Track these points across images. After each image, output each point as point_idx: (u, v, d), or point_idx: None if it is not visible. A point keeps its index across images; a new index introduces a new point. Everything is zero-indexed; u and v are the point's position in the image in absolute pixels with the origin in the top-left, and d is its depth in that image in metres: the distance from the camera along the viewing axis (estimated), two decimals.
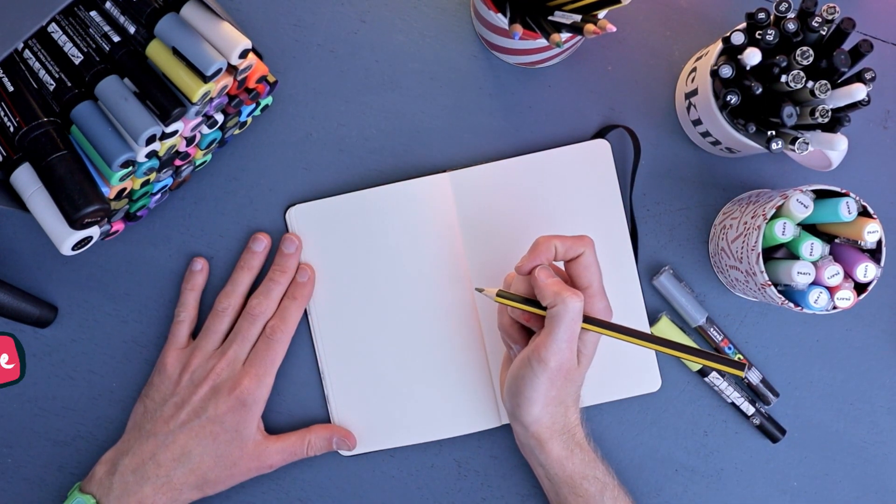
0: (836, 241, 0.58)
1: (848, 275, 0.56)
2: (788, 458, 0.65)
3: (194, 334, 0.64)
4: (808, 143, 0.54)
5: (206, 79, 0.52)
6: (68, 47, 0.53)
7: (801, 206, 0.55)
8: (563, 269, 0.59)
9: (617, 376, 0.65)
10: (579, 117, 0.65)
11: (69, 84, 0.53)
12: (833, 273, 0.55)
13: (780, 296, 0.56)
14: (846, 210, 0.55)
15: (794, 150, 0.54)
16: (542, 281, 0.55)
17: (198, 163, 0.62)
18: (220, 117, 0.58)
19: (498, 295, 0.57)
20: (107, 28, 0.54)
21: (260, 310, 0.62)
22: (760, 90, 0.54)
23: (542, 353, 0.54)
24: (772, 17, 0.55)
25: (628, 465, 0.65)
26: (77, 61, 0.53)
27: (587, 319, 0.55)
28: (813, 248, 0.56)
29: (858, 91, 0.54)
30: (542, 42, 0.57)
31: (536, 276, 0.55)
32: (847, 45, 0.55)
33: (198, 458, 0.60)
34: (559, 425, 0.57)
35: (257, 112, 0.63)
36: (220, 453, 0.60)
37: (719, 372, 0.64)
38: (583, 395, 0.63)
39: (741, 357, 0.65)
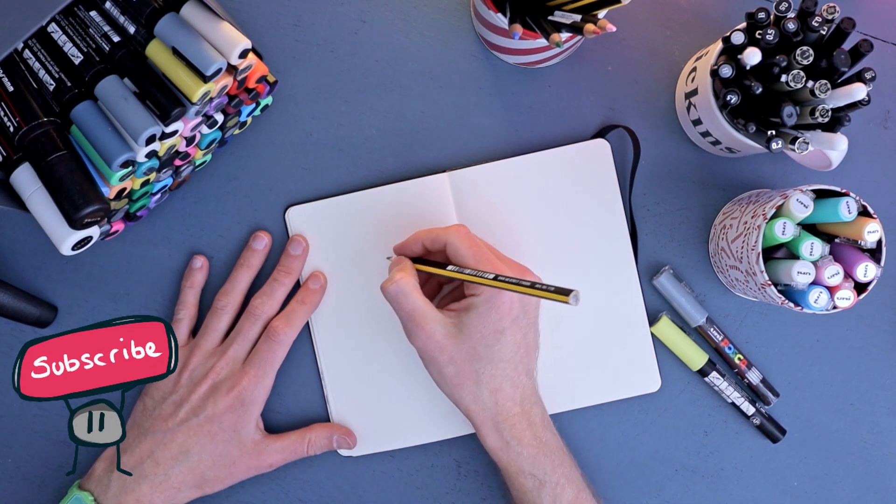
0: (836, 240, 0.58)
1: (848, 275, 0.56)
2: (788, 458, 0.65)
3: (194, 333, 0.64)
4: (808, 143, 0.54)
5: (205, 79, 0.52)
6: (68, 47, 0.53)
7: (801, 205, 0.55)
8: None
9: (617, 376, 0.65)
10: (579, 117, 0.65)
11: (69, 84, 0.53)
12: (833, 273, 0.55)
13: (780, 296, 0.56)
14: (846, 210, 0.55)
15: (794, 150, 0.54)
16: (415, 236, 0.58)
17: (198, 163, 0.62)
18: (219, 117, 0.58)
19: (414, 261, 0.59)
20: (107, 28, 0.54)
21: (262, 310, 0.62)
22: (760, 90, 0.54)
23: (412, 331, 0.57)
24: (772, 16, 0.55)
25: (628, 465, 0.65)
26: (77, 61, 0.53)
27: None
28: (813, 247, 0.56)
29: (858, 91, 0.54)
30: (542, 42, 0.57)
31: (415, 237, 0.58)
32: (847, 45, 0.55)
33: (196, 456, 0.60)
34: (489, 412, 0.56)
35: (257, 112, 0.63)
36: (218, 452, 0.60)
37: (719, 372, 0.64)
38: (583, 395, 0.63)
39: (741, 357, 0.65)
